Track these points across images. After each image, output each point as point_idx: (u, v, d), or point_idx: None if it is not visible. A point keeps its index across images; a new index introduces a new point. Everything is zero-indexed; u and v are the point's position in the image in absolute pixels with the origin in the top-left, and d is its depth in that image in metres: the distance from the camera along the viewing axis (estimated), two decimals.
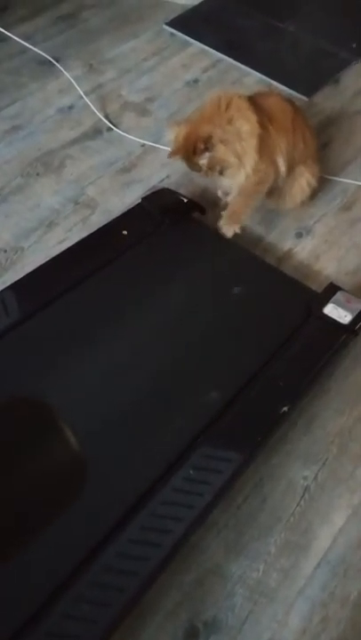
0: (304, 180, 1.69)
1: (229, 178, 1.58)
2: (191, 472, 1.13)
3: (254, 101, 1.57)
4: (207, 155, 1.51)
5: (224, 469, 1.14)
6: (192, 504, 1.09)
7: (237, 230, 1.61)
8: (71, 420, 1.21)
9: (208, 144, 1.50)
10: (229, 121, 1.51)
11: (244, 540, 1.21)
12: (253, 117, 1.52)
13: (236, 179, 1.57)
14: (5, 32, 2.23)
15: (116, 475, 1.14)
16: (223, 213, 1.62)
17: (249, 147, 1.52)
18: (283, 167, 1.61)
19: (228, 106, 1.53)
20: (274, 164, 1.59)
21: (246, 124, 1.52)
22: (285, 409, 1.25)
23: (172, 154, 1.56)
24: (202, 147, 1.50)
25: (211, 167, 1.54)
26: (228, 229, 1.61)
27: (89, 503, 1.11)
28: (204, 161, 1.53)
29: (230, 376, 1.32)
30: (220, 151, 1.51)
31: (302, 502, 1.27)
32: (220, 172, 1.56)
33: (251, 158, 1.53)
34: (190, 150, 1.52)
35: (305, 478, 1.30)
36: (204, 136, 1.49)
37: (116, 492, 1.12)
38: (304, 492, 1.28)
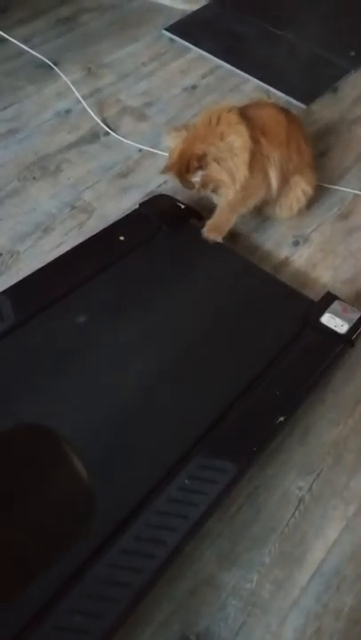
0: (300, 189, 1.69)
1: (221, 195, 1.59)
2: (186, 481, 1.12)
3: (246, 114, 1.56)
4: (200, 173, 1.51)
5: (219, 479, 1.14)
6: (187, 514, 1.08)
7: (219, 239, 1.61)
8: (65, 430, 1.20)
9: (202, 162, 1.49)
10: (221, 137, 1.51)
11: (238, 550, 1.20)
12: (245, 132, 1.52)
13: (226, 195, 1.57)
14: (3, 34, 2.22)
15: (111, 484, 1.13)
16: (208, 222, 1.63)
17: (240, 162, 1.52)
18: (275, 181, 1.61)
19: (218, 121, 1.52)
20: (266, 178, 1.59)
21: (238, 139, 1.51)
22: (282, 419, 1.25)
23: (166, 170, 1.56)
24: (196, 165, 1.49)
25: (204, 185, 1.54)
26: (211, 238, 1.61)
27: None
28: (197, 179, 1.53)
29: (226, 385, 1.31)
30: (214, 169, 1.51)
31: (297, 513, 1.27)
32: (213, 190, 1.57)
33: (241, 174, 1.52)
34: (184, 168, 1.51)
35: (300, 489, 1.30)
36: (199, 154, 1.49)
37: (110, 502, 1.11)
38: (299, 503, 1.28)
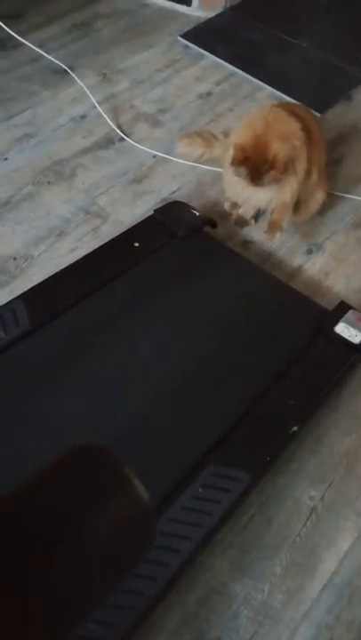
0: (319, 193, 1.71)
1: (273, 191, 1.59)
2: (200, 490, 1.12)
3: (293, 111, 1.59)
4: (272, 173, 1.50)
5: (233, 488, 1.13)
6: (200, 523, 1.08)
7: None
8: (77, 437, 1.19)
9: (288, 166, 1.50)
10: (285, 135, 1.52)
11: (250, 560, 1.20)
12: (300, 128, 1.54)
13: (284, 190, 1.58)
14: (19, 39, 2.23)
15: None
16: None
17: (303, 156, 1.54)
18: (315, 177, 1.64)
19: (275, 119, 1.54)
20: (309, 173, 1.61)
21: (299, 135, 1.53)
22: (295, 428, 1.24)
23: (237, 162, 1.49)
24: (282, 167, 1.49)
25: (263, 182, 1.53)
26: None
27: None
28: (268, 178, 1.51)
29: (239, 393, 1.31)
30: (288, 170, 1.52)
31: (309, 523, 1.26)
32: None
33: (303, 168, 1.55)
34: (260, 164, 1.49)
35: (312, 499, 1.29)
36: (285, 157, 1.48)
37: None
38: (311, 513, 1.27)
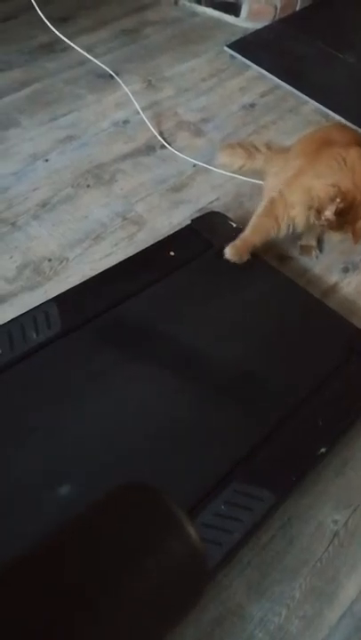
0: None
1: None
2: (223, 507, 1.10)
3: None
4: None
5: (256, 507, 1.11)
6: (221, 541, 1.06)
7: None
8: (100, 449, 1.19)
9: None
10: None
11: (268, 582, 1.18)
12: None
13: None
14: (68, 42, 2.25)
15: None
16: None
17: None
18: None
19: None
20: None
21: None
22: (323, 450, 1.22)
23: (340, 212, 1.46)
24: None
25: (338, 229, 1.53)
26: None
27: None
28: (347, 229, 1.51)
29: (267, 410, 1.29)
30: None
31: (331, 548, 1.23)
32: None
33: None
34: (346, 213, 1.46)
35: (335, 522, 1.26)
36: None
37: None
38: (333, 537, 1.25)
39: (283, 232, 1.60)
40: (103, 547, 0.55)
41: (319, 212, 1.49)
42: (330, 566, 1.21)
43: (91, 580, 0.53)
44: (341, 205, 1.43)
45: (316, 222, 1.52)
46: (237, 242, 1.59)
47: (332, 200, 1.44)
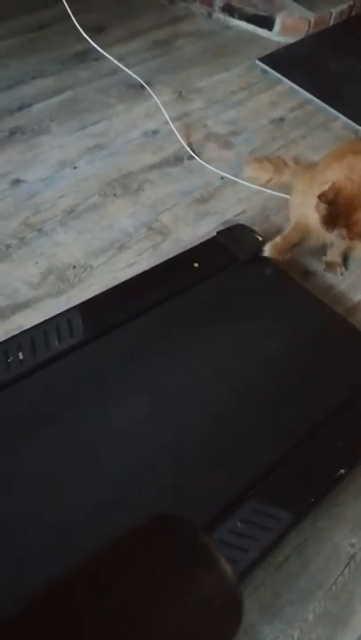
0: None
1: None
2: (239, 524, 1.09)
3: None
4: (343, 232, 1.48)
5: (272, 527, 1.09)
6: (236, 559, 1.04)
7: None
8: (120, 456, 1.18)
9: None
10: None
11: (281, 603, 1.16)
12: None
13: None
14: (101, 51, 2.27)
15: None
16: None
17: None
18: None
19: None
20: None
21: None
22: (342, 471, 1.20)
23: (324, 198, 1.44)
24: (356, 237, 1.47)
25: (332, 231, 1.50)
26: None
27: None
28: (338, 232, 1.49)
29: (288, 429, 1.27)
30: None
31: (346, 571, 1.21)
32: None
33: None
34: (341, 216, 1.45)
35: (352, 546, 1.24)
36: None
37: None
38: (349, 561, 1.22)
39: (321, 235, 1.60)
40: (135, 579, 0.54)
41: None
42: (345, 590, 1.19)
43: (121, 612, 0.51)
44: (328, 193, 1.42)
45: (322, 227, 1.50)
46: (278, 239, 1.60)
47: (324, 194, 1.43)
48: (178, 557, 0.56)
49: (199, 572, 0.55)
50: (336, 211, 1.44)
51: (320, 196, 1.42)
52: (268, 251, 1.59)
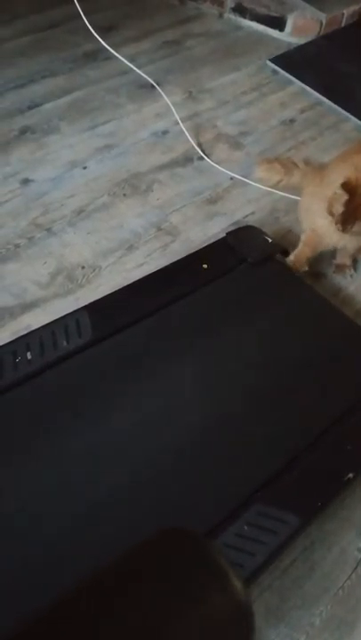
0: None
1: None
2: (245, 528, 1.08)
3: None
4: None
5: (279, 530, 1.09)
6: (243, 563, 1.04)
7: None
8: (126, 458, 1.18)
9: None
10: None
11: (287, 607, 1.15)
12: None
13: None
14: (112, 51, 2.27)
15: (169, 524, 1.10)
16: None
17: None
18: None
19: None
20: None
21: None
22: (351, 475, 1.19)
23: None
24: None
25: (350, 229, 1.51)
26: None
27: None
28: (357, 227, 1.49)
29: (295, 432, 1.26)
30: None
31: (353, 576, 1.21)
32: None
33: None
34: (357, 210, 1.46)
35: (359, 550, 1.24)
36: None
37: None
38: (357, 565, 1.22)
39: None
40: (145, 594, 0.53)
41: (332, 213, 1.48)
42: (352, 595, 1.18)
43: (131, 627, 0.50)
44: (347, 197, 1.41)
45: (338, 227, 1.50)
46: (291, 258, 1.64)
47: (337, 193, 1.43)
48: (186, 573, 0.55)
49: (208, 588, 0.54)
50: (353, 205, 1.43)
51: (343, 185, 1.41)
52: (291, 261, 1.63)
